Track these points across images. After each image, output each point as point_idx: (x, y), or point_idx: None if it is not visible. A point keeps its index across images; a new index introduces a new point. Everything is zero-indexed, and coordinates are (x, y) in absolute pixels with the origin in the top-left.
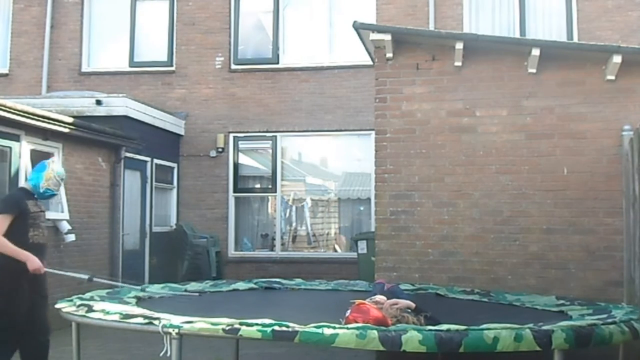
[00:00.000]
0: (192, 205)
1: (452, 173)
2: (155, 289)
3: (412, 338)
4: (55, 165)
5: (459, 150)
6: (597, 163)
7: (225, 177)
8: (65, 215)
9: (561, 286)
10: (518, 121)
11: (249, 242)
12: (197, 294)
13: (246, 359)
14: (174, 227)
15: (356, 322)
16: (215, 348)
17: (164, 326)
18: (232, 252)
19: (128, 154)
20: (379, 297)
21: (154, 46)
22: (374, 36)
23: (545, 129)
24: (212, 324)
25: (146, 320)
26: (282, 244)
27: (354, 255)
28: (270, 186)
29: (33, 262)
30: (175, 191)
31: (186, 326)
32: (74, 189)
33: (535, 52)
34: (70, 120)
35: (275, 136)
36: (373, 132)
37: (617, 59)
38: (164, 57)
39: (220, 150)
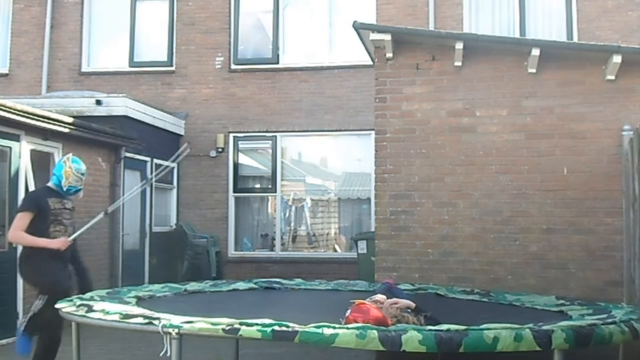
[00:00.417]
0: (192, 205)
1: (452, 173)
2: (156, 288)
3: (412, 338)
4: (71, 162)
5: (459, 150)
6: (597, 163)
7: (225, 177)
8: None
9: (561, 286)
10: (518, 121)
11: (249, 242)
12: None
13: (246, 359)
14: (174, 227)
15: (356, 321)
16: (215, 348)
17: (164, 326)
18: (232, 252)
19: (128, 154)
20: (379, 297)
21: (153, 46)
22: (374, 36)
23: (545, 129)
24: (212, 324)
25: (146, 320)
26: (282, 244)
27: (354, 255)
28: (270, 186)
29: (53, 243)
30: (175, 191)
31: (186, 326)
32: None
33: (535, 52)
34: (70, 120)
35: (275, 136)
36: (373, 132)
37: (617, 59)
38: (163, 57)
39: (220, 150)
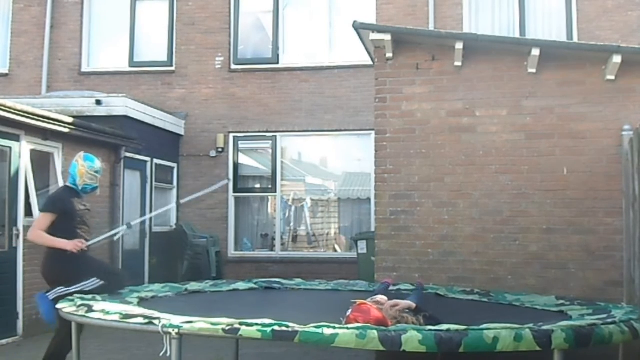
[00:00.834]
0: (192, 205)
1: (452, 173)
2: (157, 289)
3: (412, 338)
4: (84, 161)
5: (459, 150)
6: (597, 163)
7: (226, 177)
8: None
9: (561, 286)
10: (518, 121)
11: (249, 242)
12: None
13: (246, 359)
14: (174, 227)
15: (357, 321)
16: (215, 348)
17: (163, 326)
18: (232, 252)
19: (128, 154)
20: (380, 297)
21: (153, 46)
22: (374, 36)
23: (545, 129)
24: (212, 324)
25: (146, 320)
26: (282, 244)
27: (354, 255)
28: (270, 186)
29: (69, 244)
30: (175, 191)
31: (186, 326)
32: None
33: (535, 52)
34: (70, 120)
35: (275, 136)
36: (373, 132)
37: (617, 59)
38: (163, 57)
39: (220, 150)
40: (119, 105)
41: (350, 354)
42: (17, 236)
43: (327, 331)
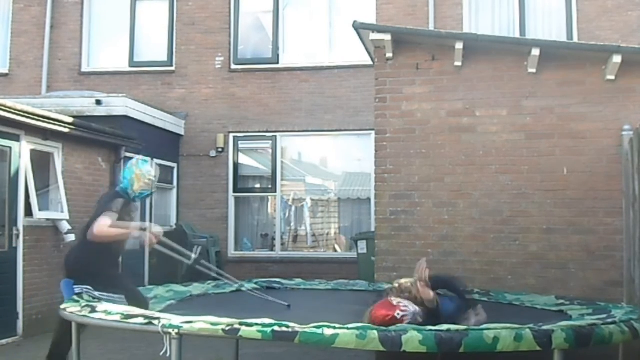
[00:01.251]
0: (192, 205)
1: (452, 173)
2: (160, 292)
3: (413, 338)
4: (141, 166)
5: (459, 150)
6: (597, 163)
7: (225, 177)
8: (65, 215)
9: (561, 286)
10: (518, 121)
11: (249, 242)
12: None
13: (246, 359)
14: (174, 227)
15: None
16: (215, 348)
17: (163, 326)
18: (232, 252)
19: (128, 154)
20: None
21: (153, 46)
22: (374, 36)
23: (545, 129)
24: (212, 324)
25: (146, 320)
26: (282, 244)
27: (354, 255)
28: (270, 186)
29: (135, 227)
30: (175, 191)
31: (186, 326)
32: (74, 189)
33: (535, 52)
34: (70, 120)
35: (275, 136)
36: (373, 132)
37: (617, 59)
38: (163, 57)
39: (220, 150)
40: (119, 105)
41: (350, 354)
42: (17, 236)
43: (327, 332)
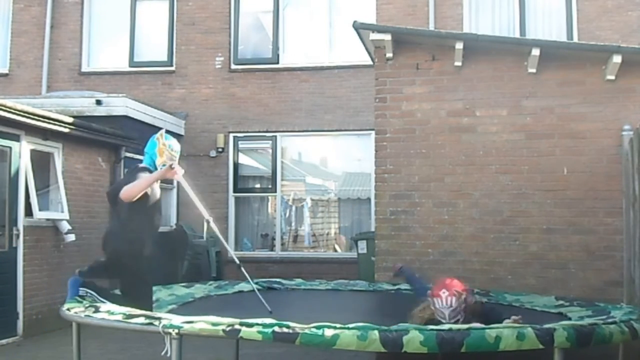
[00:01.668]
0: (192, 205)
1: (452, 173)
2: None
3: (414, 339)
4: (165, 139)
5: (459, 150)
6: (597, 163)
7: (225, 177)
8: (65, 215)
9: (561, 286)
10: (518, 121)
11: (249, 242)
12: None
13: (246, 359)
14: (174, 227)
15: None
16: (215, 348)
17: (164, 326)
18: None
19: (128, 154)
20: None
21: (154, 46)
22: (374, 36)
23: (545, 129)
24: (213, 324)
25: (147, 321)
26: (282, 244)
27: (354, 255)
28: (270, 186)
29: (168, 171)
30: (175, 191)
31: (186, 326)
32: (74, 189)
33: (535, 52)
34: (70, 120)
35: (275, 136)
36: (373, 132)
37: (617, 59)
38: (164, 57)
39: (220, 150)
40: (119, 105)
41: (350, 354)
42: (17, 236)
43: (328, 332)
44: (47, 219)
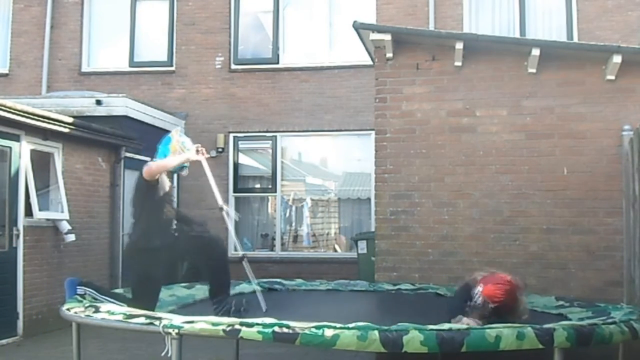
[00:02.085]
0: (192, 205)
1: (452, 173)
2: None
3: (414, 339)
4: (179, 136)
5: (459, 150)
6: (597, 163)
7: (226, 177)
8: (65, 215)
9: (561, 286)
10: (518, 121)
11: (249, 242)
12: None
13: (246, 359)
14: (174, 227)
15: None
16: (215, 348)
17: (164, 326)
18: (232, 252)
19: (128, 154)
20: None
21: (154, 46)
22: (374, 36)
23: (545, 129)
24: (213, 324)
25: (147, 321)
26: (282, 244)
27: (354, 255)
28: (270, 186)
29: (188, 155)
30: (175, 191)
31: (186, 326)
32: (74, 189)
33: (535, 52)
34: (70, 120)
35: (275, 136)
36: (373, 132)
37: (617, 59)
38: (164, 57)
39: (220, 150)
40: (119, 105)
41: (350, 354)
42: (17, 236)
43: (328, 333)
44: (47, 219)
